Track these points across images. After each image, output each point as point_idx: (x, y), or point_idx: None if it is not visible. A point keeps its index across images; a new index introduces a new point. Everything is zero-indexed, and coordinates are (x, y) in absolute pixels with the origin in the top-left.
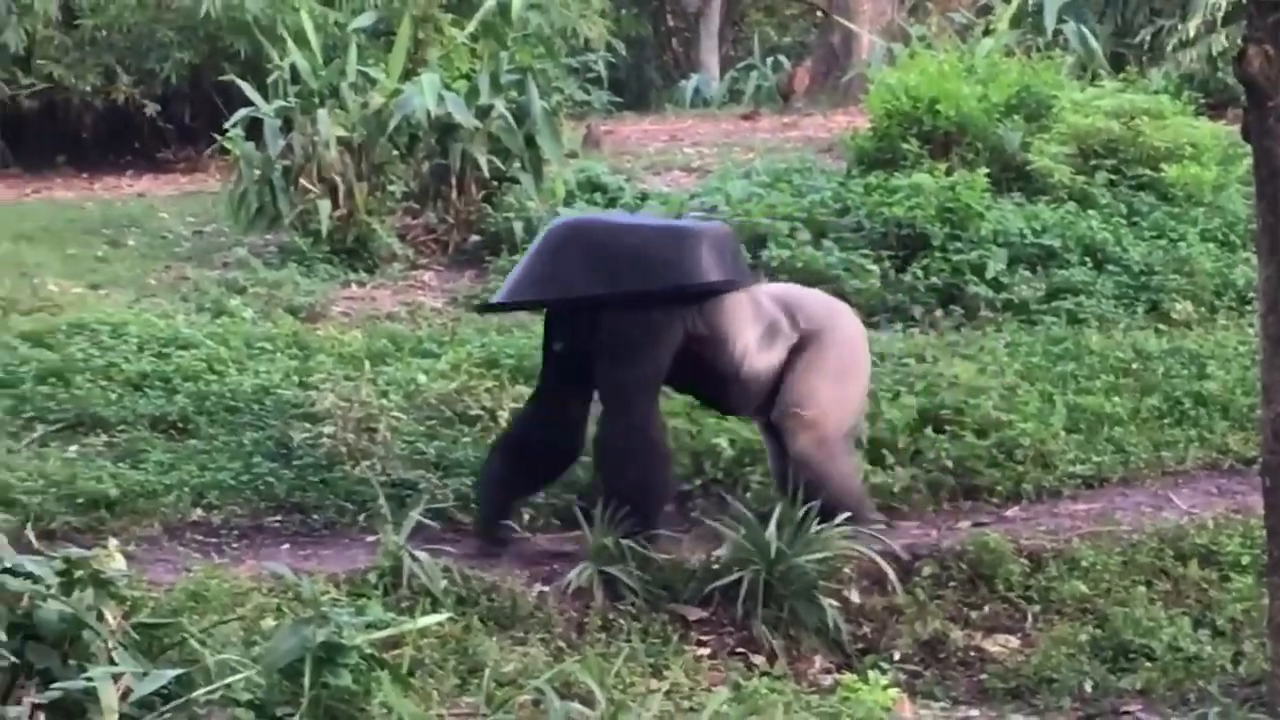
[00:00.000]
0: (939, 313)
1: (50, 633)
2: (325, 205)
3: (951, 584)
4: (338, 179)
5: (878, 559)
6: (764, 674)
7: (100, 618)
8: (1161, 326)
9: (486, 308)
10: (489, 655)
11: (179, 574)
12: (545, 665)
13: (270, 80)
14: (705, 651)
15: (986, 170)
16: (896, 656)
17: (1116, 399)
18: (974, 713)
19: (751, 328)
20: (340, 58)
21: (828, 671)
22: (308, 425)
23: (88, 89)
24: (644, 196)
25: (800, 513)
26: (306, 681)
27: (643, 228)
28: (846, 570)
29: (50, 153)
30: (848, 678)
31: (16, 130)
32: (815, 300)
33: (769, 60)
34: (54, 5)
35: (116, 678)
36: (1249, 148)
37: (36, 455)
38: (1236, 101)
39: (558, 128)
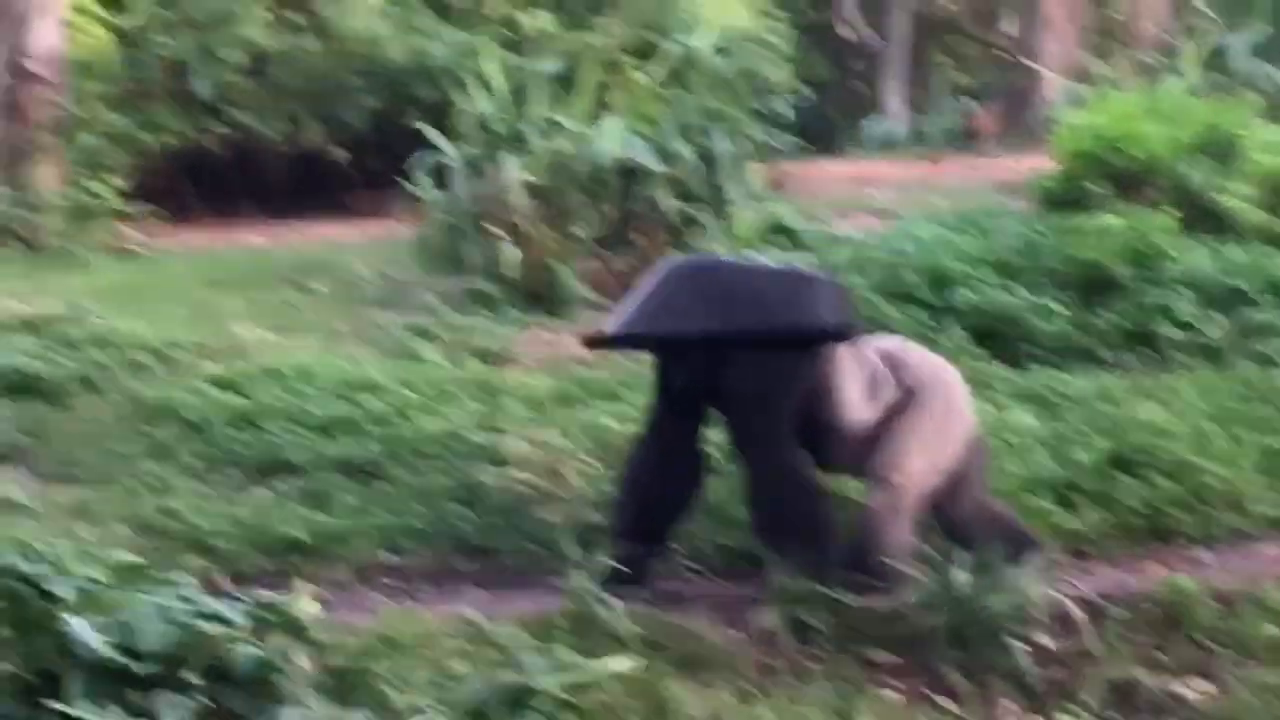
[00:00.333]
0: (1128, 355)
1: (243, 676)
2: (511, 249)
3: (1142, 628)
4: (523, 223)
5: (1067, 602)
6: (953, 718)
7: (292, 661)
8: None
9: (598, 342)
10: (678, 699)
11: (368, 617)
12: (734, 709)
13: (455, 125)
14: (894, 695)
15: (1174, 211)
16: (1087, 701)
17: None
18: None
19: (855, 381)
20: (524, 102)
21: (1017, 716)
22: (495, 469)
23: (276, 136)
24: (831, 239)
25: (989, 556)
26: None
27: (759, 269)
28: (1036, 613)
29: (239, 199)
30: None
31: (206, 177)
32: (920, 359)
33: (953, 101)
34: (243, 54)
35: None
36: None
37: (228, 499)
38: None
39: (743, 171)
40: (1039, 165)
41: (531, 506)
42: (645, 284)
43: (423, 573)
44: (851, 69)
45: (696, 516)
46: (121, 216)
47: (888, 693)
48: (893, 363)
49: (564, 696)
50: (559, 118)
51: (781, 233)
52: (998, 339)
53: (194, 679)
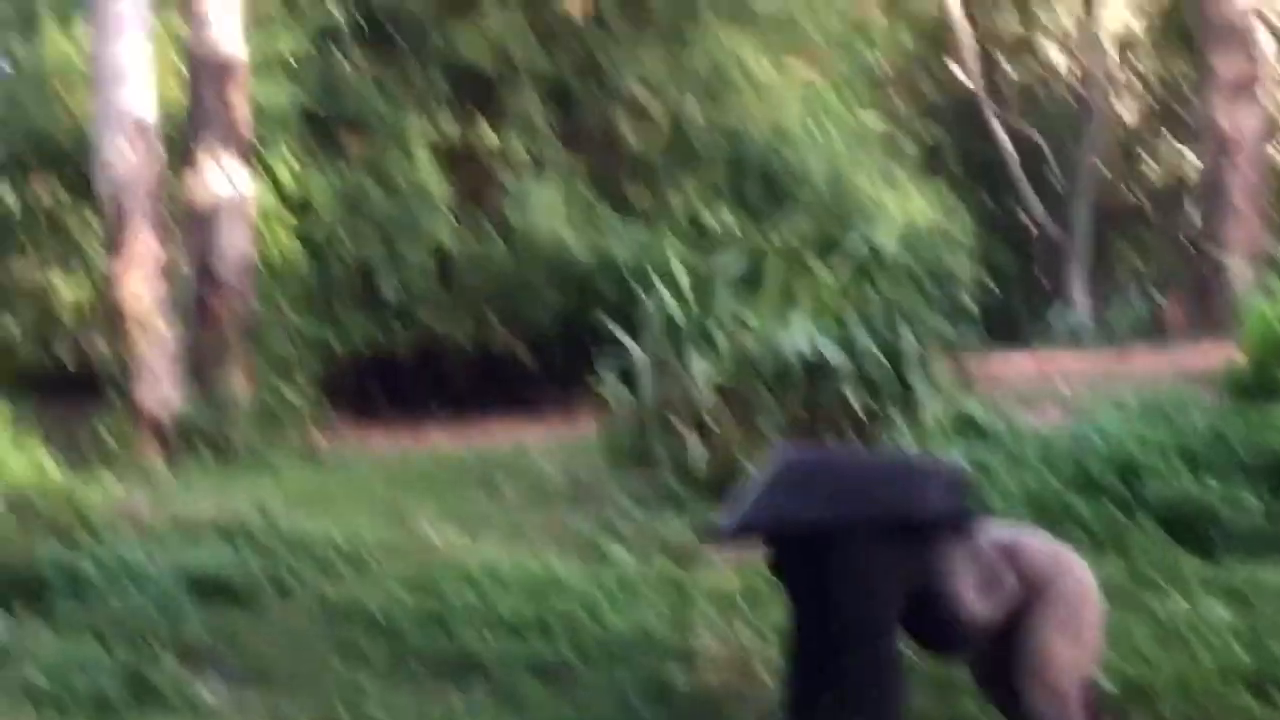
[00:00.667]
0: None
1: None
2: (698, 446)
3: None
4: (710, 420)
5: None
6: None
7: None
8: None
9: (713, 537)
10: None
11: None
12: None
13: (640, 322)
14: None
15: None
16: None
17: None
18: None
19: (969, 572)
20: (710, 299)
21: None
22: (686, 668)
23: (461, 337)
24: (1018, 433)
25: None
26: None
27: (870, 459)
28: None
29: (425, 400)
30: None
31: (393, 379)
32: (1038, 549)
33: (1137, 291)
34: (428, 256)
35: None
36: None
37: (419, 701)
38: None
39: (929, 365)
40: (1227, 355)
41: (723, 705)
42: (758, 476)
43: None
44: (1033, 259)
45: None
46: (310, 420)
47: None
48: (1009, 554)
49: None
50: (745, 314)
51: (968, 425)
52: (1189, 531)
53: None
